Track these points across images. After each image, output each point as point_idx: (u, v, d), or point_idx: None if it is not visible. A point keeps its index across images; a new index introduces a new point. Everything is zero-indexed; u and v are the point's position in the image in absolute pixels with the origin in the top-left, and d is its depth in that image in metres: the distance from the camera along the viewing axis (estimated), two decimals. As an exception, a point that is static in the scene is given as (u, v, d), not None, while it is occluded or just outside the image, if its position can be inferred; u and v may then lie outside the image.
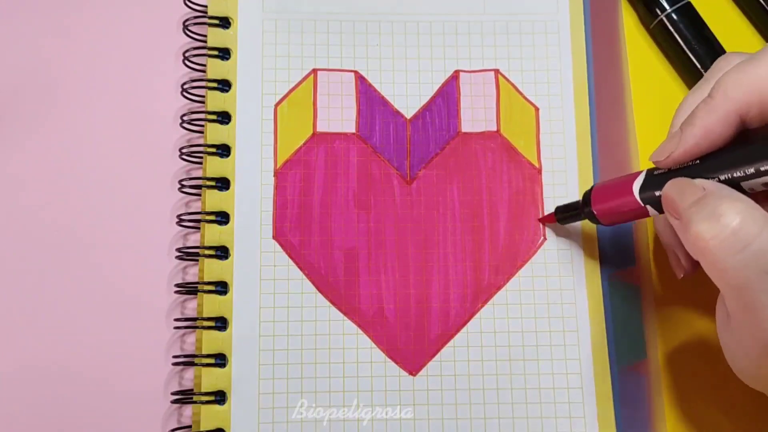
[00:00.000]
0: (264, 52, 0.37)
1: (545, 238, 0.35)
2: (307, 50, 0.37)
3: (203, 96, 0.36)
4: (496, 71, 0.37)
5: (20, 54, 0.38)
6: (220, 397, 0.33)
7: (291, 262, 0.35)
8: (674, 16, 0.37)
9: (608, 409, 0.33)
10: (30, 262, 0.35)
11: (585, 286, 0.35)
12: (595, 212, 0.31)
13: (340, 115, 0.37)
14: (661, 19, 0.37)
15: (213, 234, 0.35)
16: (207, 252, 0.34)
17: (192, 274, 0.35)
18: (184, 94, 0.36)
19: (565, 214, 0.34)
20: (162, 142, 0.37)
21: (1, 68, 0.37)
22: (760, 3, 0.38)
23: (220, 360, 0.33)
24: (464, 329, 0.34)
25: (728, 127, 0.26)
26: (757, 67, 0.25)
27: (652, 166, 0.29)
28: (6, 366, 0.34)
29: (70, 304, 0.35)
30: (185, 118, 0.36)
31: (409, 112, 0.37)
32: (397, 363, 0.34)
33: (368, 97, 0.37)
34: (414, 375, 0.34)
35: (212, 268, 0.34)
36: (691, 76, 0.37)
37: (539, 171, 0.36)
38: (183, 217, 0.35)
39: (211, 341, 0.33)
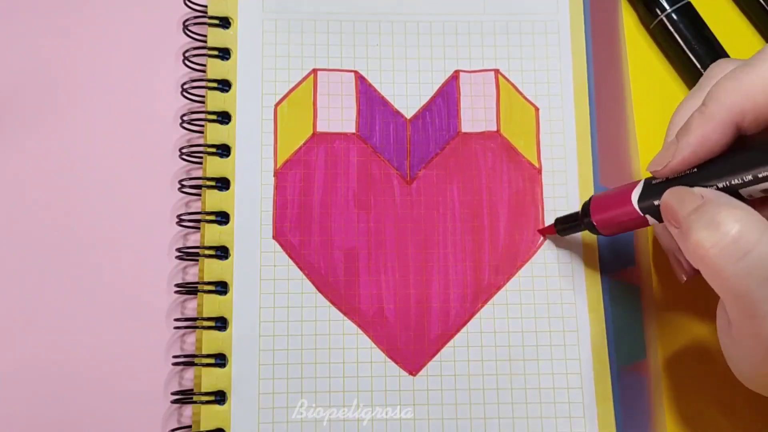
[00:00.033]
0: (264, 52, 0.37)
1: (545, 238, 0.35)
2: (307, 50, 0.37)
3: (203, 96, 0.36)
4: (496, 71, 0.37)
5: (20, 54, 0.38)
6: (220, 397, 0.33)
7: (291, 262, 0.35)
8: (674, 16, 0.37)
9: (608, 409, 0.33)
10: (30, 262, 0.35)
11: (585, 286, 0.35)
12: (595, 222, 0.31)
13: (340, 115, 0.36)
14: (661, 19, 0.37)
15: (213, 234, 0.35)
16: (207, 252, 0.34)
17: (192, 274, 0.35)
18: (184, 94, 0.36)
19: (565, 225, 0.34)
20: (162, 142, 0.37)
21: (1, 68, 0.37)
22: (760, 3, 0.38)
23: (220, 360, 0.33)
24: (464, 329, 0.34)
25: (724, 134, 0.26)
26: (750, 73, 0.25)
27: (650, 175, 0.28)
28: (6, 366, 0.34)
29: (70, 304, 0.35)
30: (185, 118, 0.36)
31: (409, 112, 0.37)
32: (397, 363, 0.34)
33: (368, 97, 0.37)
34: (414, 375, 0.34)
35: (212, 268, 0.34)
36: (691, 76, 0.37)
37: (539, 171, 0.36)
38: (183, 217, 0.35)
39: (211, 341, 0.33)
